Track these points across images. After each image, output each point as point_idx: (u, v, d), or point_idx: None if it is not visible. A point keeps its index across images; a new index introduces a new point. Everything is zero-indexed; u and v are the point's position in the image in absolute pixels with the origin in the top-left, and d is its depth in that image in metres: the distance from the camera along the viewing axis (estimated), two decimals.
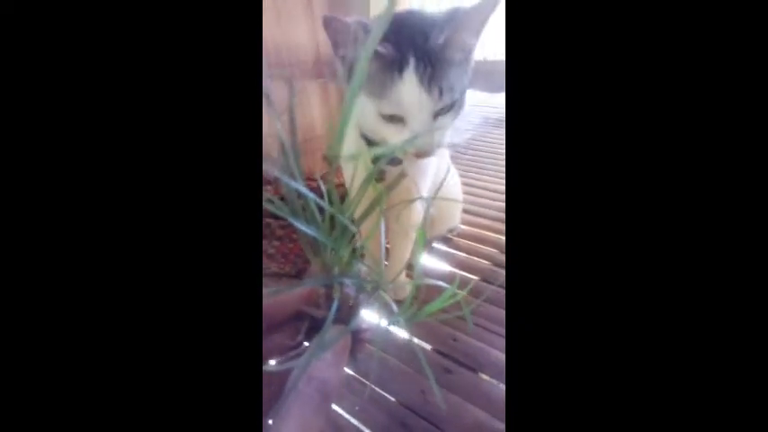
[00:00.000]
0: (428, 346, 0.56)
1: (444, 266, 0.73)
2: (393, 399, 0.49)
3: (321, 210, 0.22)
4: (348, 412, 0.47)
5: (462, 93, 0.38)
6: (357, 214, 0.23)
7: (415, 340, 0.56)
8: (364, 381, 0.50)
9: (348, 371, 0.50)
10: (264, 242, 0.78)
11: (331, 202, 0.22)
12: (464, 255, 0.76)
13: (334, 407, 0.47)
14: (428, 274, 0.71)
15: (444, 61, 0.34)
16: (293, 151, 0.22)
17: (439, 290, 0.23)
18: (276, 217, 0.81)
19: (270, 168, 0.22)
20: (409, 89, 0.34)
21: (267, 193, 0.66)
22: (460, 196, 0.76)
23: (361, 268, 0.24)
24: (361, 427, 0.46)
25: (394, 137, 0.37)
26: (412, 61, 0.33)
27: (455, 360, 0.54)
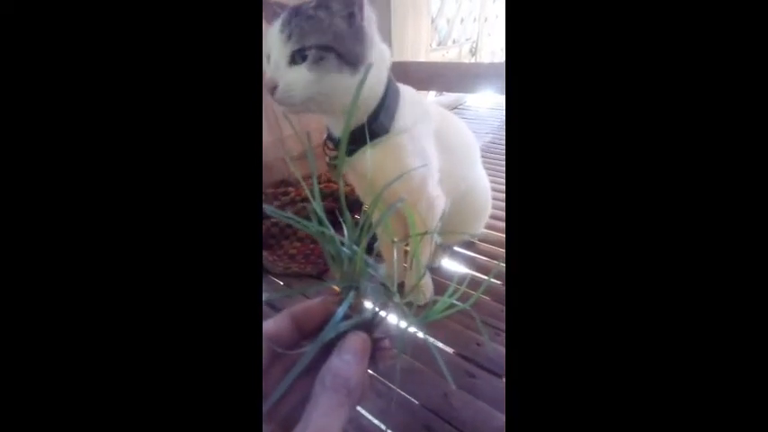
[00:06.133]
0: (451, 350, 0.56)
1: (463, 269, 0.73)
2: (416, 402, 0.49)
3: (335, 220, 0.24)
4: (371, 414, 0.47)
5: (320, 50, 0.40)
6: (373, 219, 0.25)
7: (437, 343, 0.56)
8: (389, 384, 0.50)
9: (372, 373, 0.51)
10: (286, 243, 0.79)
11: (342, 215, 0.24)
12: (484, 258, 0.75)
13: (360, 408, 0.48)
14: (445, 276, 0.71)
15: (305, 15, 0.40)
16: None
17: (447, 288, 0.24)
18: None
19: (293, 171, 0.23)
20: (274, 29, 0.42)
21: (290, 194, 0.67)
22: (489, 203, 0.73)
23: (378, 273, 0.25)
24: (385, 428, 0.46)
25: (267, 72, 0.44)
26: (285, 13, 0.42)
27: (479, 364, 0.53)
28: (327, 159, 0.51)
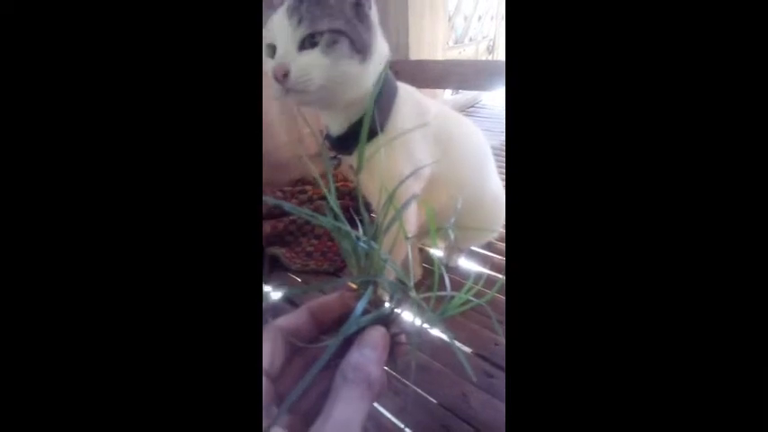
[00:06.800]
0: (469, 350, 0.55)
1: (479, 269, 0.72)
2: (434, 401, 0.48)
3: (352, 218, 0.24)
4: (390, 412, 0.47)
5: (332, 34, 0.40)
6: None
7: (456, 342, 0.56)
8: (406, 381, 0.50)
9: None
10: (304, 240, 0.80)
11: (361, 219, 0.24)
12: (501, 257, 0.74)
13: (378, 406, 0.48)
14: (462, 275, 0.70)
15: (314, 1, 0.39)
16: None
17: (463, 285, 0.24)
18: None
19: (311, 171, 0.23)
20: (278, 17, 0.41)
21: (308, 193, 0.68)
22: (502, 205, 0.67)
23: (390, 271, 0.25)
24: (404, 427, 0.46)
25: (269, 67, 0.42)
26: (290, 0, 0.40)
27: (497, 365, 0.52)
28: (327, 158, 0.51)
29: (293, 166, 0.96)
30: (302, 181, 0.95)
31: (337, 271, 0.73)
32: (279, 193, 0.89)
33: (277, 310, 0.61)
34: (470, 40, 1.96)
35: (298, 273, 0.73)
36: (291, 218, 0.81)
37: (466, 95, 1.87)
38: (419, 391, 0.49)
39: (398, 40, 1.13)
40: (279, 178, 0.94)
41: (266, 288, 0.70)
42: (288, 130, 0.94)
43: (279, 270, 0.74)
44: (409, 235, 0.50)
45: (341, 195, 0.86)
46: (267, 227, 0.78)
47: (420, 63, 1.12)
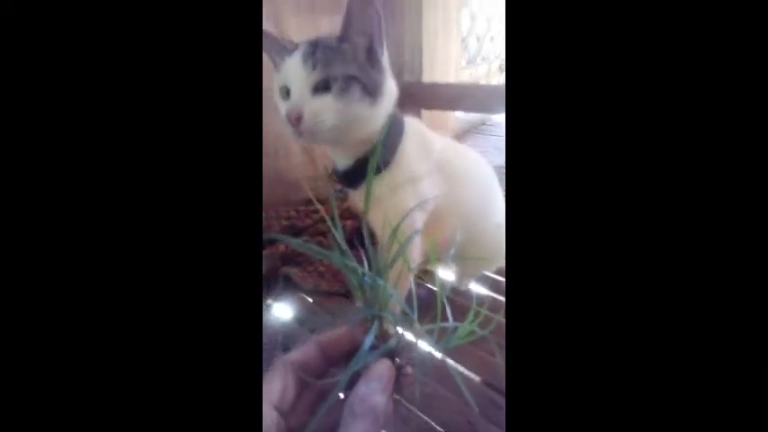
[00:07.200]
0: (477, 378, 0.55)
1: (487, 292, 0.71)
2: (442, 430, 0.48)
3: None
4: None
5: (346, 79, 0.42)
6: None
7: (460, 368, 0.55)
8: (413, 408, 0.50)
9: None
10: (316, 260, 0.81)
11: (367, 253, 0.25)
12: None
13: None
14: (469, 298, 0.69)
15: (329, 48, 0.42)
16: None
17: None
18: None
19: (323, 190, 0.24)
20: (293, 61, 0.43)
21: (321, 212, 0.69)
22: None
23: (395, 303, 0.26)
24: None
25: (283, 109, 0.44)
26: (305, 45, 0.43)
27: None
28: (332, 192, 0.53)
29: (304, 186, 0.98)
30: (313, 201, 0.97)
31: (348, 293, 0.73)
32: (293, 212, 0.91)
33: (290, 334, 0.62)
34: (483, 59, 1.98)
35: (309, 293, 0.74)
36: (304, 237, 0.82)
37: (476, 115, 1.88)
38: (427, 419, 0.49)
39: (413, 60, 1.16)
40: (293, 197, 0.96)
41: (281, 311, 0.71)
42: (302, 150, 0.97)
43: (291, 289, 0.75)
44: (413, 265, 0.50)
45: (351, 215, 0.87)
46: (281, 246, 0.80)
47: (433, 86, 1.14)
